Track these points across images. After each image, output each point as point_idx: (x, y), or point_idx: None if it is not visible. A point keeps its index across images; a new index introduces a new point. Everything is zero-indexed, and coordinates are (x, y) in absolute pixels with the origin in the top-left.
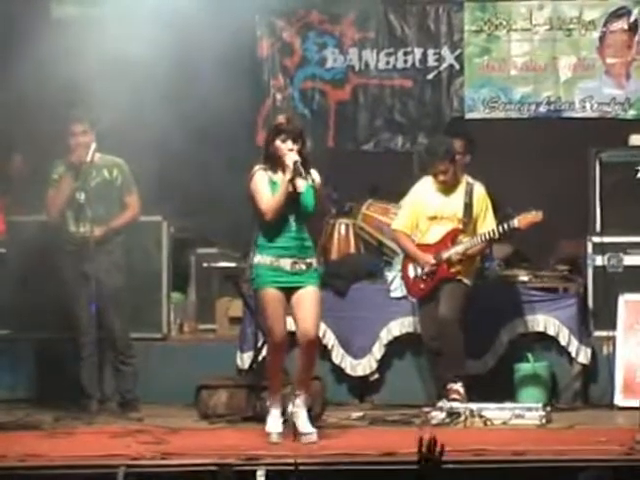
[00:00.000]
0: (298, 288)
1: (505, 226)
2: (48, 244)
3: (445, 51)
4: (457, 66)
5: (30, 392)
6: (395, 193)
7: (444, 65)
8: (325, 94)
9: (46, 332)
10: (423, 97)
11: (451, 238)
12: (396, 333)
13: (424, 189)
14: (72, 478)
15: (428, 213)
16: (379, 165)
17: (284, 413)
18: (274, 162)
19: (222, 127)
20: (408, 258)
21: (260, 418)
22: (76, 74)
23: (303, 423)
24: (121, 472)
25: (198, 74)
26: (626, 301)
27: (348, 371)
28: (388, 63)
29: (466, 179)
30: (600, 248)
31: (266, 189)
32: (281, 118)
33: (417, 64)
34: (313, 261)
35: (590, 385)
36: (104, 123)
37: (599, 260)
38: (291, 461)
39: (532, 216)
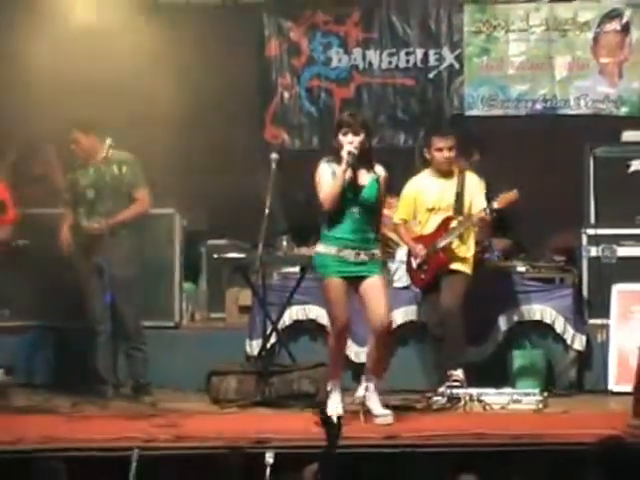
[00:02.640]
0: (363, 278)
1: (487, 209)
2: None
3: (445, 51)
4: (457, 65)
5: (48, 378)
6: (397, 187)
7: (444, 64)
8: (330, 92)
9: (63, 321)
10: (424, 95)
11: (445, 227)
12: (399, 321)
13: (421, 182)
14: (88, 460)
15: (426, 205)
16: (382, 160)
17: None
18: (338, 154)
19: (232, 124)
20: (409, 251)
21: (269, 403)
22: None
23: (376, 406)
24: (135, 454)
25: (210, 73)
26: (619, 291)
27: (352, 358)
28: (391, 63)
29: (460, 170)
30: (594, 240)
31: (326, 180)
32: (345, 114)
33: (419, 64)
34: (376, 252)
35: (585, 371)
36: (121, 122)
37: (593, 251)
38: (300, 444)
39: (509, 195)
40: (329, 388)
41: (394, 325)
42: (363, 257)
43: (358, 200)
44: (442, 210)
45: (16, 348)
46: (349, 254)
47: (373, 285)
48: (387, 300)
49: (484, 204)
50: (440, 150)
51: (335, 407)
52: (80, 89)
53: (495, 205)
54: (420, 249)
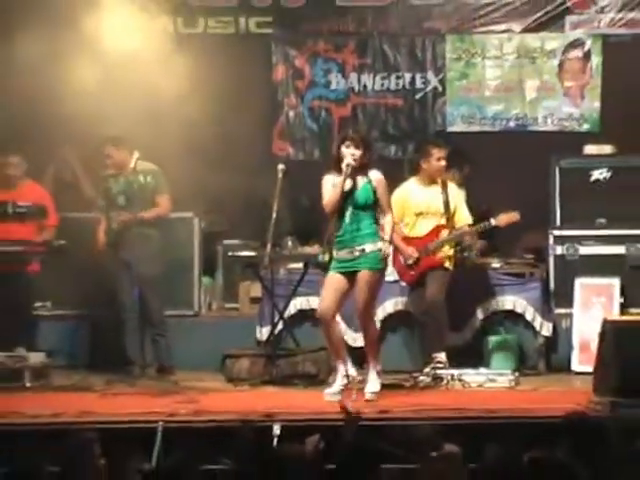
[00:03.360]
0: (355, 272)
1: (486, 224)
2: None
3: (430, 75)
4: (440, 88)
5: (85, 360)
6: (388, 193)
7: (429, 87)
8: (330, 111)
9: (97, 310)
10: (412, 113)
11: (436, 233)
12: (390, 311)
13: (408, 188)
14: (119, 432)
15: (413, 209)
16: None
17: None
18: (339, 165)
19: (244, 138)
20: (397, 250)
21: (276, 382)
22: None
23: (371, 383)
24: (159, 427)
25: (225, 94)
26: (581, 284)
27: (350, 342)
28: (382, 85)
29: (442, 179)
30: (560, 240)
31: (327, 189)
32: (350, 131)
33: (407, 86)
34: (366, 247)
35: (551, 354)
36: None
37: (559, 250)
38: (303, 418)
39: (511, 216)
40: (336, 365)
41: (385, 314)
42: (355, 253)
43: (352, 202)
44: (430, 215)
45: (56, 334)
46: (344, 253)
47: (360, 279)
48: (366, 293)
49: (469, 219)
50: (439, 159)
51: (336, 384)
52: (111, 107)
53: (494, 223)
54: (413, 251)
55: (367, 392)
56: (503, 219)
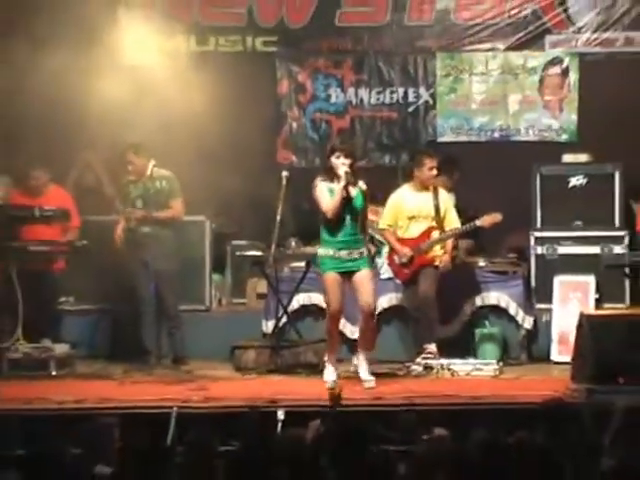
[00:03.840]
0: (354, 272)
1: (471, 224)
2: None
3: (422, 90)
4: (431, 101)
5: (105, 350)
6: (383, 198)
7: (421, 101)
8: (330, 123)
9: (117, 305)
10: (405, 125)
11: (427, 234)
12: (385, 305)
13: (402, 194)
14: (136, 416)
15: (407, 213)
16: (371, 177)
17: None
18: (331, 174)
19: (251, 147)
20: (392, 250)
21: (281, 370)
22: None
23: (364, 373)
24: (174, 412)
25: (234, 106)
26: (560, 281)
27: (348, 335)
28: (378, 99)
29: (433, 186)
30: (540, 240)
31: (326, 195)
32: (337, 142)
33: (400, 100)
34: (364, 250)
35: (532, 345)
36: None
37: (539, 250)
38: (305, 404)
39: (493, 217)
40: (325, 359)
41: (380, 308)
42: (354, 255)
43: (350, 209)
44: (422, 218)
45: (79, 327)
46: (343, 254)
47: (362, 277)
48: (373, 288)
49: (458, 222)
50: (430, 169)
51: (330, 375)
52: (130, 117)
53: (479, 223)
54: (407, 251)
55: (365, 381)
56: (486, 220)
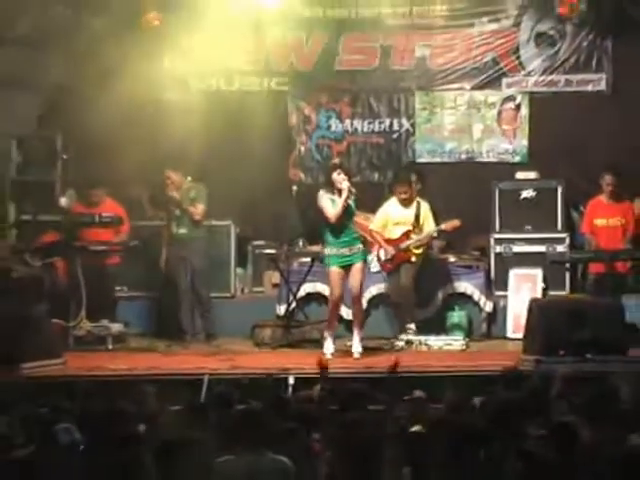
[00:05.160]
0: (351, 265)
1: (437, 228)
2: (159, 239)
3: (404, 121)
4: (411, 130)
5: (151, 329)
6: (373, 207)
7: (403, 129)
8: (330, 147)
9: (161, 293)
10: (390, 149)
11: (406, 235)
12: (374, 293)
13: (390, 205)
14: (177, 382)
15: (392, 220)
16: (363, 190)
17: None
18: (332, 187)
19: (268, 167)
20: (380, 247)
21: (291, 345)
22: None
23: (356, 345)
24: (206, 378)
25: (253, 135)
26: (514, 273)
27: (345, 316)
28: (369, 128)
29: (417, 200)
30: (498, 241)
31: (329, 204)
32: (336, 160)
33: (387, 129)
34: (360, 246)
35: (492, 325)
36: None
37: (498, 248)
38: (312, 371)
39: (454, 223)
40: (325, 335)
41: (370, 295)
42: (354, 250)
43: (349, 215)
44: (404, 224)
45: (131, 310)
46: (345, 251)
47: (355, 269)
48: (361, 277)
49: (433, 228)
50: (400, 193)
51: (329, 348)
52: (173, 142)
53: (443, 227)
54: (391, 249)
55: (355, 352)
56: (448, 225)
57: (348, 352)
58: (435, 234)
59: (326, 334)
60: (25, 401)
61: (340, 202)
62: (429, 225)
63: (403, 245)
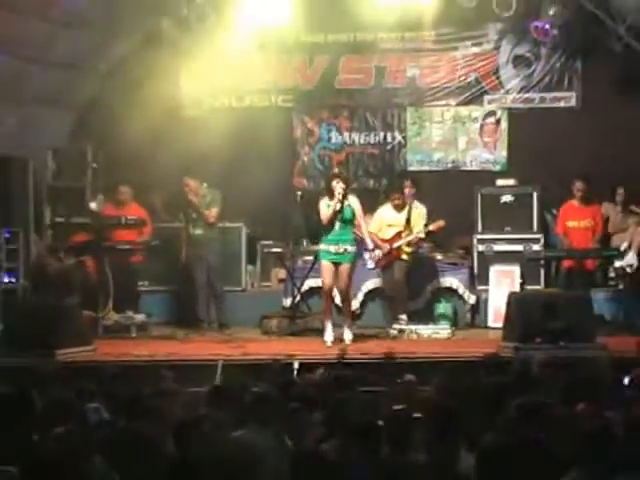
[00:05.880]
0: (340, 263)
1: (425, 230)
2: (178, 240)
3: (396, 134)
4: (403, 142)
5: (171, 319)
6: (370, 211)
7: (396, 141)
8: (331, 157)
9: (180, 287)
10: (384, 159)
11: (398, 236)
12: (370, 287)
13: (385, 210)
14: (194, 367)
15: (386, 223)
16: (359, 196)
17: (307, 331)
18: (330, 193)
19: (275, 175)
20: (376, 246)
21: (295, 334)
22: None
23: (346, 333)
24: (220, 363)
25: (262, 147)
26: (494, 270)
27: (338, 303)
28: (365, 140)
29: (410, 203)
30: (480, 241)
31: (324, 208)
32: (335, 170)
33: (381, 141)
34: (348, 248)
35: (475, 316)
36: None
37: (480, 247)
38: (313, 357)
39: (439, 223)
40: (325, 324)
41: (366, 289)
42: (340, 250)
43: (340, 218)
44: (396, 226)
45: (153, 302)
46: (332, 248)
47: (342, 269)
48: (347, 279)
49: (422, 230)
50: (394, 199)
51: (329, 335)
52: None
53: (430, 228)
54: (385, 247)
55: (346, 339)
56: (434, 225)
57: (342, 339)
58: (423, 235)
59: (325, 323)
60: (59, 384)
61: (332, 207)
62: (419, 227)
63: (396, 244)
